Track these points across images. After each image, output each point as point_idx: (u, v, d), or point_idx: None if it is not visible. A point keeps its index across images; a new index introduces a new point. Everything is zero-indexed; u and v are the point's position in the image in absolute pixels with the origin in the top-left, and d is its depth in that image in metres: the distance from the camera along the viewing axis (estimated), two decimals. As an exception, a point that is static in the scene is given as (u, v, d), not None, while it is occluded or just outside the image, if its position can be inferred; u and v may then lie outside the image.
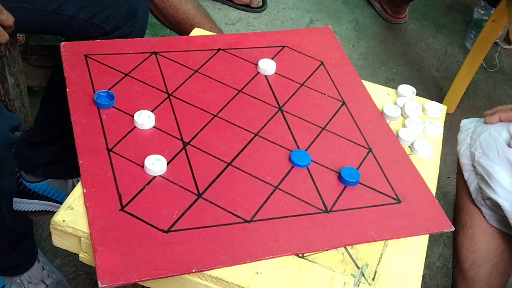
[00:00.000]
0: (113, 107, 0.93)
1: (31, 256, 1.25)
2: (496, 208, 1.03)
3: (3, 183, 1.01)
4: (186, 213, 0.80)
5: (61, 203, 1.01)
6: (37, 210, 1.47)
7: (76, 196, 0.81)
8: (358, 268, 0.80)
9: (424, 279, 1.53)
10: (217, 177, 0.86)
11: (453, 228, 0.86)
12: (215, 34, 1.17)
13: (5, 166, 1.00)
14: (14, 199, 1.38)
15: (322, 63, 1.12)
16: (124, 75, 0.99)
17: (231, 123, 0.95)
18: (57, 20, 1.18)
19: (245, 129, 0.95)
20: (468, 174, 1.07)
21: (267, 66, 1.06)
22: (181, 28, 1.63)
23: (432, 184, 0.95)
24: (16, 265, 1.23)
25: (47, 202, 1.46)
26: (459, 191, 1.13)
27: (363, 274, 0.80)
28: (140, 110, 0.92)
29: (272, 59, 1.09)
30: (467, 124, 1.09)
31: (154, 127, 0.92)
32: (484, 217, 1.08)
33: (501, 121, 1.03)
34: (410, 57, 2.28)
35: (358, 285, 0.79)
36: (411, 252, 0.84)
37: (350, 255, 0.82)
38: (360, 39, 2.32)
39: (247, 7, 2.32)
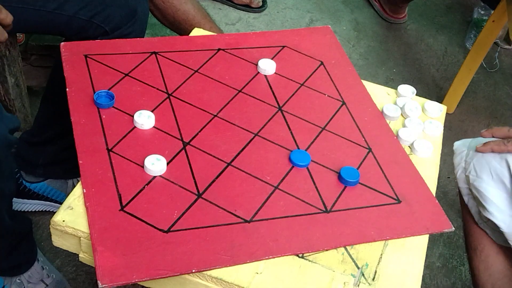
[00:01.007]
0: (113, 107, 0.93)
1: (31, 257, 1.25)
2: (497, 228, 1.02)
3: (3, 185, 1.01)
4: (186, 213, 0.80)
5: (61, 203, 1.01)
6: (37, 210, 1.47)
7: (76, 196, 0.81)
8: (358, 268, 0.80)
9: (424, 279, 1.52)
10: (217, 177, 0.86)
11: (453, 228, 0.86)
12: (215, 34, 1.17)
13: (4, 168, 1.00)
14: (14, 199, 1.38)
15: (322, 63, 1.12)
16: (124, 75, 0.99)
17: (231, 123, 0.95)
18: (57, 20, 1.18)
19: (245, 129, 0.95)
20: (467, 198, 1.07)
21: (267, 66, 1.06)
22: (181, 28, 1.62)
23: (432, 184, 0.95)
24: (16, 266, 1.23)
25: (47, 202, 1.46)
26: (463, 216, 1.13)
27: (363, 274, 0.80)
28: (140, 110, 0.92)
29: (272, 59, 1.09)
30: (460, 147, 1.08)
31: (154, 127, 0.92)
32: (491, 238, 1.08)
33: (493, 152, 1.02)
34: (410, 57, 2.28)
35: (358, 285, 0.78)
36: (411, 252, 0.84)
37: (350, 255, 0.82)
38: (360, 39, 2.32)
39: (247, 7, 2.32)
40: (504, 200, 0.98)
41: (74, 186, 1.33)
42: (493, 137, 1.04)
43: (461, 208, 1.13)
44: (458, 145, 1.10)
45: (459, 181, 1.07)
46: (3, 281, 1.25)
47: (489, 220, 1.02)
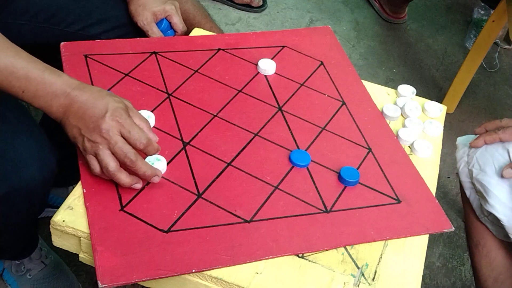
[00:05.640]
0: (113, 107, 0.93)
1: (33, 244, 1.26)
2: (498, 222, 1.03)
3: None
4: (186, 213, 0.80)
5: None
6: (41, 217, 1.46)
7: (76, 196, 0.81)
8: (358, 268, 0.80)
9: (424, 279, 1.52)
10: (217, 177, 0.86)
11: (453, 228, 0.86)
12: (215, 34, 1.17)
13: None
14: None
15: (322, 63, 1.12)
16: (124, 75, 0.99)
17: (231, 123, 0.95)
18: (77, 38, 1.18)
19: (245, 129, 0.95)
20: (469, 192, 1.07)
21: (267, 66, 1.06)
22: (181, 28, 1.62)
23: (432, 184, 0.95)
24: (18, 252, 1.25)
25: (50, 208, 1.46)
26: (465, 210, 1.13)
27: (363, 274, 0.80)
28: (140, 110, 0.92)
29: (272, 59, 1.09)
30: (463, 141, 1.09)
31: (154, 127, 0.92)
32: (492, 233, 1.08)
33: (486, 144, 1.03)
34: (410, 57, 2.28)
35: (358, 285, 0.78)
36: (411, 252, 0.84)
37: (350, 255, 0.82)
38: (360, 39, 2.32)
39: (248, 7, 2.32)
40: (506, 193, 0.98)
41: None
42: (487, 131, 1.05)
43: (463, 203, 1.13)
44: (461, 140, 1.10)
45: (461, 175, 1.07)
46: (3, 264, 1.26)
47: (490, 214, 1.02)
